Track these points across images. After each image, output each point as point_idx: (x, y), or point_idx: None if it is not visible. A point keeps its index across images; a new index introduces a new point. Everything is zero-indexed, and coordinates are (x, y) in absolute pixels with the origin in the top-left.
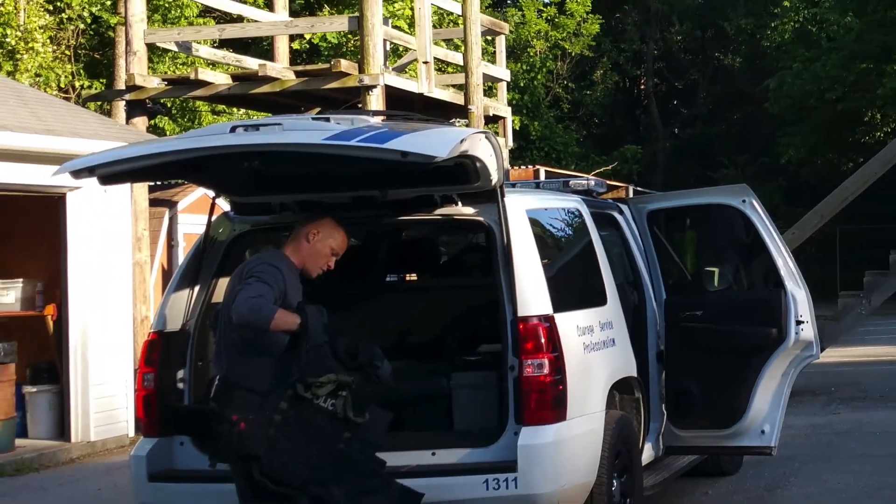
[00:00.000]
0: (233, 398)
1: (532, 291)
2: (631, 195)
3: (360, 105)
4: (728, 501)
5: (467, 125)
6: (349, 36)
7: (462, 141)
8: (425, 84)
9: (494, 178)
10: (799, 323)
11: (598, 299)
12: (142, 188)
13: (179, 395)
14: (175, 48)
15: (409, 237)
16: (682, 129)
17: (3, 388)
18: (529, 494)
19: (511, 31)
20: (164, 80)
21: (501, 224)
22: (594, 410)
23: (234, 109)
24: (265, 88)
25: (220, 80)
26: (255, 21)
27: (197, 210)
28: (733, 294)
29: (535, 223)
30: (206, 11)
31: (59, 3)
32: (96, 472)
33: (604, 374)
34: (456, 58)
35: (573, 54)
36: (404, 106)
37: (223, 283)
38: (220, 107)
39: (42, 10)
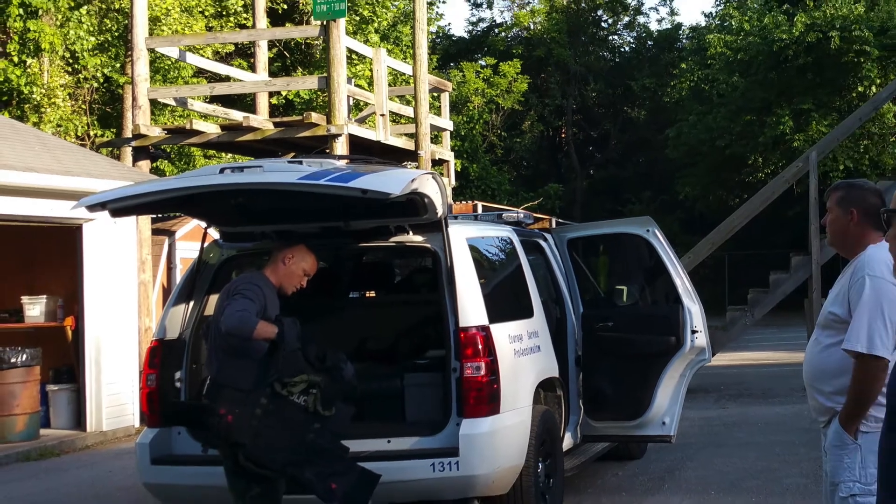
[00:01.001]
0: (222, 395)
1: (471, 306)
2: (553, 226)
3: (327, 150)
4: (634, 481)
5: (417, 167)
6: (319, 93)
7: (413, 181)
8: (382, 133)
9: (440, 211)
10: (694, 332)
11: (527, 312)
12: (145, 220)
13: (177, 392)
14: (173, 103)
15: (368, 260)
16: (597, 171)
17: (29, 386)
18: (469, 475)
19: (454, 89)
20: (164, 129)
21: (445, 250)
22: (523, 405)
23: (223, 154)
24: (249, 137)
25: (211, 129)
26: (240, 80)
27: (191, 238)
28: (639, 308)
29: (473, 249)
30: (200, 72)
31: (76, 66)
32: (108, 457)
33: (531, 374)
34: (408, 111)
35: (505, 108)
36: (364, 151)
37: (213, 299)
38: (211, 152)
39: (62, 71)
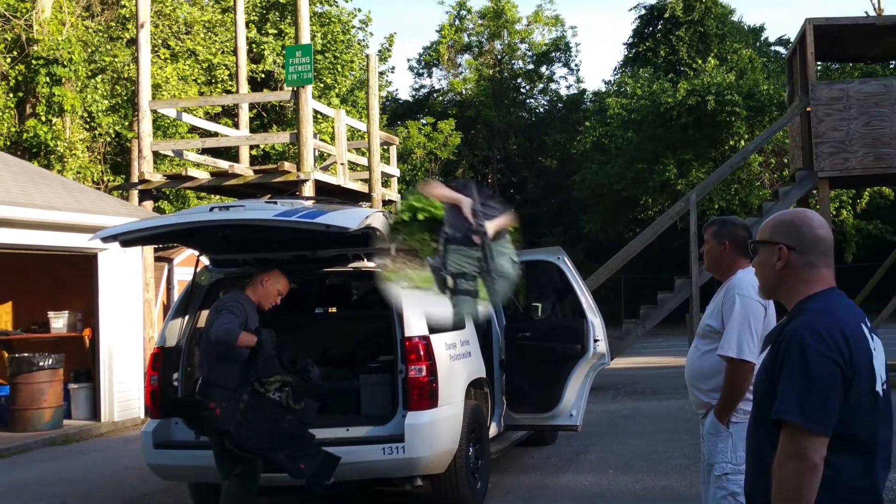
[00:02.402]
0: (211, 392)
1: (414, 319)
2: None
3: (297, 193)
4: (547, 462)
5: (371, 207)
6: (290, 146)
7: (367, 217)
8: (342, 178)
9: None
10: (596, 341)
11: (459, 324)
12: (149, 249)
13: (175, 390)
14: (172, 154)
15: (330, 283)
16: (517, 210)
17: (54, 385)
18: (413, 457)
19: (400, 143)
20: (164, 176)
21: None
22: (457, 400)
23: (212, 196)
24: (233, 182)
25: (203, 176)
26: (226, 136)
27: (187, 264)
28: (551, 321)
29: None
30: (193, 129)
31: (93, 124)
32: (118, 443)
33: (463, 375)
34: (363, 160)
35: (442, 158)
36: (327, 194)
37: (205, 314)
38: (203, 194)
39: (81, 128)
